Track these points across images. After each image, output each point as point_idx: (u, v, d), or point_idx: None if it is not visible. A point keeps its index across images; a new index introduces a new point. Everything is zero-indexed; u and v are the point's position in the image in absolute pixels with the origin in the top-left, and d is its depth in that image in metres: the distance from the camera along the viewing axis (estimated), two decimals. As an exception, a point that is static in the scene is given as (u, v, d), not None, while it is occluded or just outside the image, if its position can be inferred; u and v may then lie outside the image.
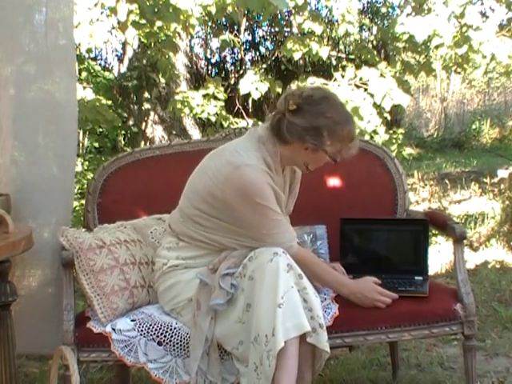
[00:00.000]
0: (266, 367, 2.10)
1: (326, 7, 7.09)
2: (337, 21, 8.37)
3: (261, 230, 2.28)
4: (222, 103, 7.11)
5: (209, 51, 12.06)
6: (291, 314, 2.12)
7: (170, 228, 2.45)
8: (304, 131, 2.26)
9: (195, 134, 8.90)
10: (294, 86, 6.21)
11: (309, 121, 2.26)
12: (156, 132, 8.85)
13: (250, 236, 2.30)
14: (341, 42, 11.55)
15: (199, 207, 2.34)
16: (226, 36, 8.67)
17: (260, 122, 7.72)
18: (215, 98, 7.04)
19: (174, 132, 8.90)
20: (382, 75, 6.18)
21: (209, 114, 6.93)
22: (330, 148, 2.30)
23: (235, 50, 11.64)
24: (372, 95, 5.93)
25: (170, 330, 2.34)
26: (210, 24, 9.52)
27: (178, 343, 2.32)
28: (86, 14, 5.81)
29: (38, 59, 2.63)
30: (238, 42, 8.98)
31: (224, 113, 7.16)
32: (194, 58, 10.83)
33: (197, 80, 10.19)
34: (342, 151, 2.33)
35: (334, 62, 10.46)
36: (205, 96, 7.00)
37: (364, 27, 10.90)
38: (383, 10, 10.46)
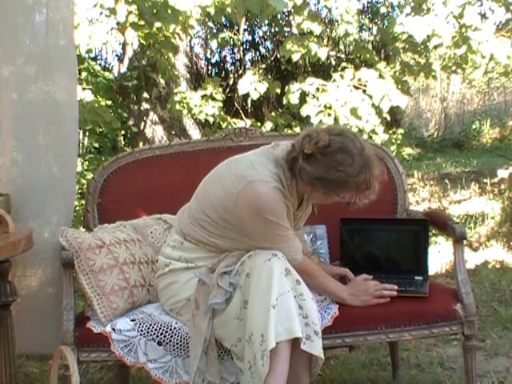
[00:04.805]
0: (259, 367, 2.10)
1: (326, 7, 7.08)
2: (336, 20, 8.37)
3: (265, 243, 2.28)
4: (220, 104, 7.10)
5: (209, 51, 12.06)
6: (284, 318, 2.12)
7: (178, 225, 2.46)
8: (314, 179, 2.22)
9: (195, 134, 8.89)
10: (292, 86, 6.20)
11: (320, 171, 2.20)
12: (156, 132, 8.84)
13: (255, 246, 2.30)
14: (341, 41, 11.55)
15: (208, 214, 2.34)
16: (226, 34, 8.68)
17: (259, 123, 7.72)
18: (213, 98, 7.03)
19: (174, 132, 8.90)
20: (381, 75, 6.18)
21: (207, 114, 6.92)
22: (342, 196, 2.28)
23: (235, 50, 11.64)
24: (371, 96, 5.92)
25: (170, 329, 2.34)
26: (209, 24, 9.51)
27: (177, 343, 2.33)
28: (86, 14, 5.81)
29: (38, 60, 2.63)
30: (238, 40, 8.98)
31: (222, 113, 7.15)
32: (194, 58, 10.82)
33: (197, 80, 10.18)
34: (357, 198, 2.29)
35: (334, 63, 10.46)
36: (203, 97, 6.99)
37: (364, 27, 10.90)
38: (383, 9, 10.46)
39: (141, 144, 8.23)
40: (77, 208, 5.00)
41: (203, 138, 3.30)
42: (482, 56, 6.22)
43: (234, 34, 9.20)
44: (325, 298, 2.43)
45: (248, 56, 12.19)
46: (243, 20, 7.62)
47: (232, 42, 8.69)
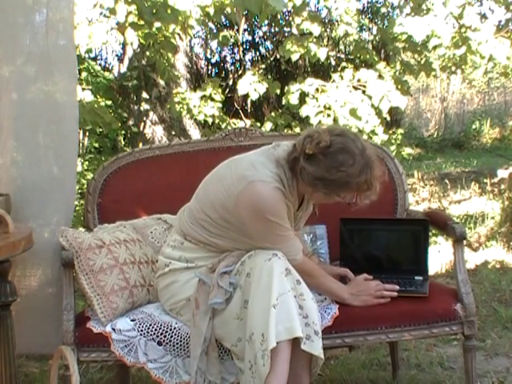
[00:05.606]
0: (260, 367, 2.10)
1: (326, 7, 7.08)
2: (337, 21, 8.37)
3: (265, 243, 2.28)
4: (220, 105, 7.10)
5: (209, 51, 12.07)
6: (284, 317, 2.12)
7: (178, 225, 2.46)
8: (316, 179, 2.22)
9: (195, 134, 8.89)
10: (292, 86, 6.19)
11: (321, 172, 2.20)
12: (156, 132, 8.85)
13: (255, 246, 2.30)
14: (341, 42, 11.55)
15: (208, 213, 2.34)
16: (227, 33, 8.67)
17: (259, 124, 7.72)
18: (212, 99, 7.03)
19: (174, 132, 8.90)
20: (380, 76, 6.17)
21: (206, 115, 6.92)
22: (343, 196, 2.28)
23: (235, 50, 11.64)
24: (370, 97, 5.92)
25: (170, 329, 2.34)
26: (209, 24, 9.51)
27: (177, 343, 2.33)
28: (85, 14, 5.81)
29: (38, 60, 2.63)
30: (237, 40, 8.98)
31: (221, 114, 7.14)
32: (194, 58, 10.82)
33: (197, 80, 10.18)
34: (358, 198, 2.28)
35: (334, 63, 10.46)
36: (202, 97, 6.99)
37: (364, 27, 10.90)
38: (383, 10, 10.46)
39: (141, 144, 8.23)
40: (77, 208, 5.00)
41: (203, 138, 3.30)
42: (481, 56, 6.22)
43: (234, 33, 9.20)
44: (325, 297, 2.44)
45: (248, 56, 12.20)
46: (243, 20, 7.62)
47: (233, 40, 8.67)
